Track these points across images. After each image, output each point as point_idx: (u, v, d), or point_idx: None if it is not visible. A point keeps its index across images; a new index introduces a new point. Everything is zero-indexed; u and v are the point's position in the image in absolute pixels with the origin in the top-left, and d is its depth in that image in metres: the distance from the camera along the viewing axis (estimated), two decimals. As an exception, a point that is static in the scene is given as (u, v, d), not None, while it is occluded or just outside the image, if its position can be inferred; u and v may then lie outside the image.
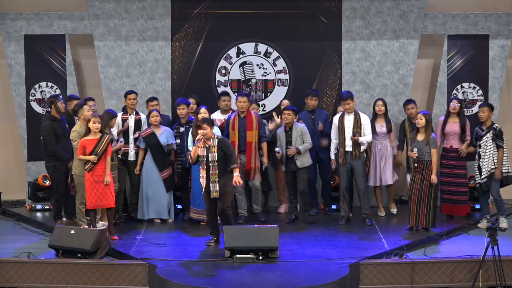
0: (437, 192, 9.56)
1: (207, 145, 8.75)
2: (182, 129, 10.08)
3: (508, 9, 11.34)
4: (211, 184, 8.70)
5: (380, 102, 10.34)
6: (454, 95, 11.21)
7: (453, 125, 10.12)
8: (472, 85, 11.29)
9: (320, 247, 8.75)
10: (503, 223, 9.56)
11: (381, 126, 10.28)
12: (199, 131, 8.75)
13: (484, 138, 9.70)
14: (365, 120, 9.88)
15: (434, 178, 9.29)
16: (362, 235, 9.33)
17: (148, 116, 10.13)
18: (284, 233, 9.25)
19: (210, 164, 8.71)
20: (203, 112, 9.69)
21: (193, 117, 10.15)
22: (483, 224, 9.64)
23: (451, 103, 10.18)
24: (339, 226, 9.84)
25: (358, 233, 9.44)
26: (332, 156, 10.06)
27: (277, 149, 9.96)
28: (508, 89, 11.76)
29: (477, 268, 7.66)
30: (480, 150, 9.72)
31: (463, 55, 11.24)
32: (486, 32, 11.21)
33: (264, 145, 10.09)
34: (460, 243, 9.04)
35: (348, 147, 9.80)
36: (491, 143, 9.64)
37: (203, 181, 8.76)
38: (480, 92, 11.29)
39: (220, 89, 11.25)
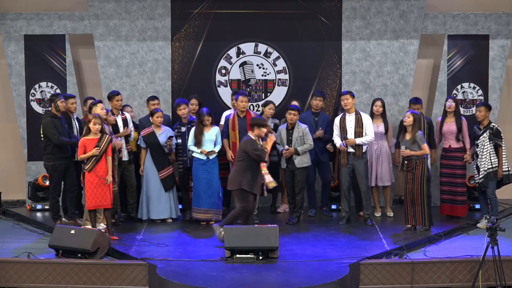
0: (430, 190, 9.56)
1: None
2: (183, 129, 10.10)
3: (508, 9, 11.34)
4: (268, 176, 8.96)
5: (378, 103, 10.30)
6: (454, 95, 11.21)
7: (450, 125, 10.10)
8: (472, 85, 11.30)
9: (320, 247, 8.75)
10: (483, 223, 9.57)
11: (377, 126, 10.22)
12: (267, 130, 8.96)
13: (481, 137, 9.69)
14: (367, 119, 9.85)
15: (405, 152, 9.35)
16: (362, 235, 9.33)
17: (150, 116, 10.11)
18: (284, 233, 9.26)
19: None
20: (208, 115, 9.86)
21: (194, 117, 10.16)
22: (483, 224, 9.63)
23: (446, 102, 10.17)
24: (339, 226, 9.84)
25: (358, 233, 9.44)
26: (340, 142, 9.78)
27: (280, 147, 9.96)
28: (508, 89, 11.76)
29: (477, 268, 7.66)
30: (478, 149, 9.72)
31: (463, 55, 11.25)
32: (486, 32, 11.21)
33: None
34: (460, 243, 9.04)
35: (350, 148, 9.78)
36: (488, 143, 9.63)
37: (269, 177, 8.93)
38: (480, 92, 11.29)
39: (220, 89, 11.26)
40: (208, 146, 9.81)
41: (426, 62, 11.70)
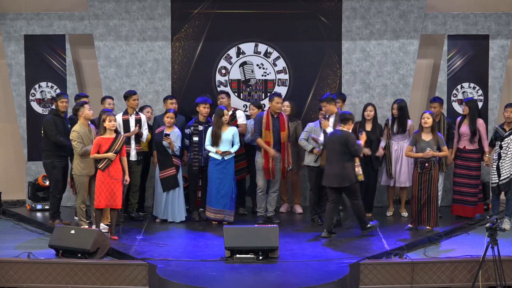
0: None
1: None
2: (201, 128, 10.08)
3: (508, 9, 11.34)
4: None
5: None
6: (454, 95, 11.22)
7: (467, 128, 10.07)
8: (472, 85, 11.30)
9: (320, 247, 8.76)
10: (507, 224, 9.55)
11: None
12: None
13: (506, 139, 9.66)
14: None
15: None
16: (362, 235, 9.33)
17: (163, 115, 10.11)
18: (284, 233, 9.26)
19: None
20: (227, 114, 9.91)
21: (210, 118, 10.13)
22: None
23: (462, 106, 10.20)
24: (339, 226, 9.82)
25: (358, 233, 9.44)
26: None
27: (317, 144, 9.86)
28: (508, 89, 11.76)
29: (477, 268, 7.66)
30: (502, 151, 9.68)
31: (463, 55, 11.25)
32: (486, 32, 11.21)
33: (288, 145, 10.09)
34: (460, 243, 9.05)
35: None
36: None
37: (360, 169, 9.26)
38: (480, 92, 11.29)
39: (220, 89, 11.26)
40: (224, 146, 9.79)
41: (426, 62, 11.70)
